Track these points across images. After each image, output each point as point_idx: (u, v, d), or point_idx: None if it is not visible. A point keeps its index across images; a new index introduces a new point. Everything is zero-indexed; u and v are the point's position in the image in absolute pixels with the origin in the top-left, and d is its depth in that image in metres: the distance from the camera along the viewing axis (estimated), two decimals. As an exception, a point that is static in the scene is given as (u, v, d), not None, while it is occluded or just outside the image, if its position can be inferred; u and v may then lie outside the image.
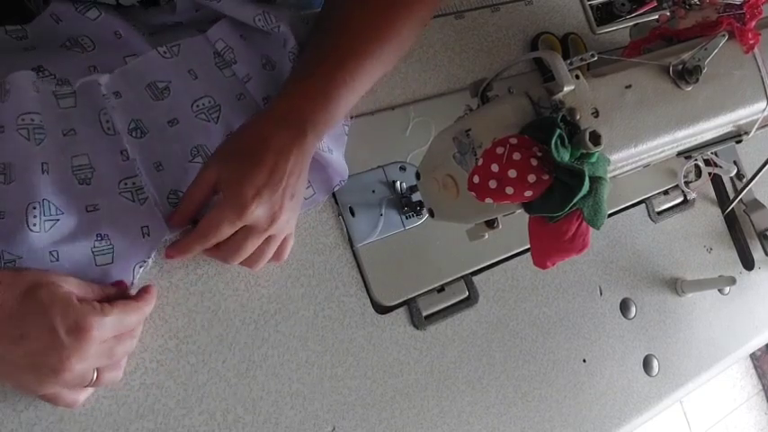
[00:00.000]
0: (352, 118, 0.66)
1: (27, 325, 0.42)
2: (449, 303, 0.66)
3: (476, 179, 0.46)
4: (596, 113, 0.51)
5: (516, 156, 0.44)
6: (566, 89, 0.48)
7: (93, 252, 0.49)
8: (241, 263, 0.54)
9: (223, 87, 0.58)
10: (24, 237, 0.46)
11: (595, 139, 0.45)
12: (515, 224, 0.55)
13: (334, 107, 0.55)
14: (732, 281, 0.77)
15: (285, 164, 0.51)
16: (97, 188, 0.51)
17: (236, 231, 0.50)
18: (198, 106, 0.56)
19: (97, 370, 0.46)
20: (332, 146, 0.59)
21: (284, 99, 0.54)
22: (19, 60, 0.52)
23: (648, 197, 0.83)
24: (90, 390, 0.48)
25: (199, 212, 0.53)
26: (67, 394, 0.46)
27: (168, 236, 0.53)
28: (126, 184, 0.52)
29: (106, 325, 0.45)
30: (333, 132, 0.60)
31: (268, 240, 0.53)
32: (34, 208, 0.46)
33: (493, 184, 0.45)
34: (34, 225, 0.46)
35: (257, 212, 0.49)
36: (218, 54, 0.58)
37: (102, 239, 0.49)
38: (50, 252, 0.47)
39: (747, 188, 0.85)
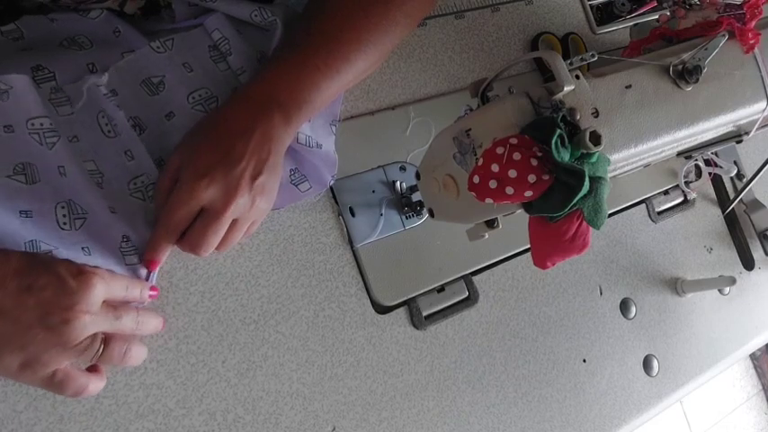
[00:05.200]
0: (350, 119, 0.66)
1: (34, 274, 0.43)
2: (449, 303, 0.66)
3: (476, 179, 0.46)
4: (596, 113, 0.51)
5: (516, 156, 0.44)
6: (566, 89, 0.48)
7: (121, 252, 0.49)
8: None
9: (219, 80, 0.57)
10: (56, 235, 0.46)
11: (595, 139, 0.45)
12: (515, 224, 0.55)
13: (308, 92, 0.54)
14: (732, 281, 0.77)
15: (244, 143, 0.49)
16: (109, 191, 0.51)
17: (196, 218, 0.49)
18: (194, 98, 0.56)
19: (104, 342, 0.46)
20: (320, 141, 0.59)
21: (255, 81, 0.54)
22: (17, 60, 0.52)
23: (648, 197, 0.83)
24: (100, 384, 0.47)
25: None
26: (77, 375, 0.45)
27: None
28: (135, 183, 0.52)
29: (109, 278, 0.46)
30: (319, 130, 0.59)
31: (234, 226, 0.51)
32: (63, 207, 0.47)
33: (493, 184, 0.45)
34: (65, 224, 0.47)
35: (209, 192, 0.48)
36: (213, 47, 0.58)
37: (127, 241, 0.49)
38: (83, 248, 0.47)
39: (747, 188, 0.85)
